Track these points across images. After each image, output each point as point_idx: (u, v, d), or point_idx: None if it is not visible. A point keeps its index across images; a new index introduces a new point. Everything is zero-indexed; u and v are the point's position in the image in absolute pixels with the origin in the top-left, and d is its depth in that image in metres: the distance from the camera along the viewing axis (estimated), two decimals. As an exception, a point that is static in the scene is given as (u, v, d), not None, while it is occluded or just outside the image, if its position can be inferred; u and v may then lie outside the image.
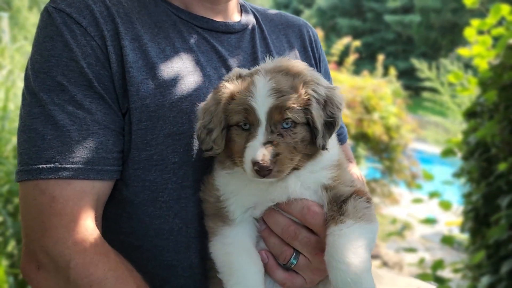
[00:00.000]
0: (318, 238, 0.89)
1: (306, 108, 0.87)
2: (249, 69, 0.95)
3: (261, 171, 0.82)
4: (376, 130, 5.90)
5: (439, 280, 2.46)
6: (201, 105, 0.93)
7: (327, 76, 1.31)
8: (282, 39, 1.21)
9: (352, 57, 6.33)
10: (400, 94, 6.60)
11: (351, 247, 0.82)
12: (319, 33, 6.58)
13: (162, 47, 0.98)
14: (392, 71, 6.76)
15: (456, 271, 2.65)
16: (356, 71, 7.27)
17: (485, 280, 2.40)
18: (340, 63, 6.64)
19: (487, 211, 2.45)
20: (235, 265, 0.89)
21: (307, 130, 0.89)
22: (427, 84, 7.09)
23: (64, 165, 0.86)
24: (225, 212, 0.91)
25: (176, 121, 0.94)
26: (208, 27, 1.07)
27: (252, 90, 0.86)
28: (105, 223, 0.96)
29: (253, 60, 1.10)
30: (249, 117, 0.86)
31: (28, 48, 4.52)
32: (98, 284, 0.83)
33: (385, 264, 6.39)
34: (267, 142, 0.84)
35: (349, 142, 4.78)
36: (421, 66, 5.73)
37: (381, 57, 7.22)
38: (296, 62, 0.96)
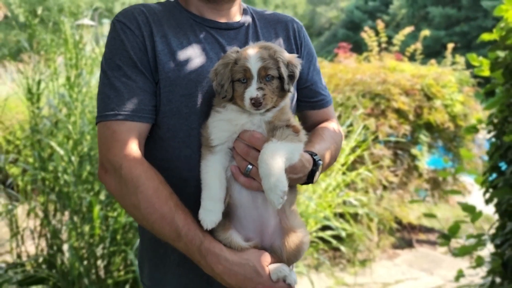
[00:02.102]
0: None
1: (277, 67, 1.38)
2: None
3: (255, 103, 1.33)
4: (438, 117, 6.00)
5: (446, 237, 2.74)
6: (212, 69, 1.44)
7: (309, 57, 1.77)
8: (271, 32, 1.70)
9: (414, 47, 6.47)
10: (468, 82, 6.57)
11: (270, 154, 1.29)
12: (381, 25, 6.69)
13: (181, 40, 1.52)
14: (459, 60, 6.75)
15: (470, 236, 2.87)
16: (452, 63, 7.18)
17: (496, 241, 2.66)
18: (405, 53, 6.80)
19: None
20: (207, 180, 1.41)
21: (279, 81, 1.40)
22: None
23: (120, 112, 1.42)
24: (210, 141, 1.43)
25: (187, 86, 1.47)
26: (214, 26, 1.59)
27: (248, 58, 1.37)
28: (146, 153, 1.51)
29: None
30: (246, 74, 1.37)
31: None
32: (137, 179, 1.38)
33: (450, 251, 6.46)
34: (258, 88, 1.35)
35: (407, 128, 4.97)
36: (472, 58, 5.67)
37: (450, 46, 7.22)
38: (270, 43, 1.46)
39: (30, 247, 4.26)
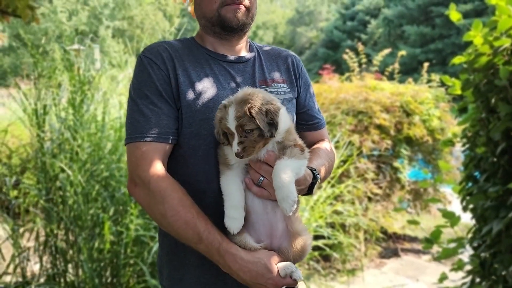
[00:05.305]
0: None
1: (254, 120, 1.54)
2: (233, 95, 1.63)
3: (237, 156, 1.54)
4: (417, 132, 6.36)
5: (429, 241, 3.01)
6: (215, 116, 1.62)
7: (306, 86, 2.01)
8: (274, 65, 1.94)
9: (392, 67, 6.87)
10: (444, 98, 6.97)
11: (282, 169, 1.52)
12: (360, 47, 7.10)
13: (198, 73, 1.76)
14: (434, 77, 7.18)
15: (451, 240, 3.15)
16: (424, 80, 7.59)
17: (474, 243, 2.95)
18: (384, 73, 7.19)
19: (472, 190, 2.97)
20: (228, 191, 1.63)
21: (259, 131, 1.56)
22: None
23: (147, 135, 1.64)
24: (228, 160, 1.64)
25: (205, 112, 1.70)
26: (226, 60, 1.84)
27: (227, 118, 1.56)
28: (170, 169, 1.71)
29: (252, 78, 1.84)
30: (228, 131, 1.57)
31: (115, 74, 5.51)
32: (163, 191, 1.58)
33: (434, 258, 6.76)
34: (239, 142, 1.55)
35: (389, 142, 5.34)
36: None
37: (426, 64, 7.65)
38: (250, 94, 1.61)
39: (34, 266, 4.40)
